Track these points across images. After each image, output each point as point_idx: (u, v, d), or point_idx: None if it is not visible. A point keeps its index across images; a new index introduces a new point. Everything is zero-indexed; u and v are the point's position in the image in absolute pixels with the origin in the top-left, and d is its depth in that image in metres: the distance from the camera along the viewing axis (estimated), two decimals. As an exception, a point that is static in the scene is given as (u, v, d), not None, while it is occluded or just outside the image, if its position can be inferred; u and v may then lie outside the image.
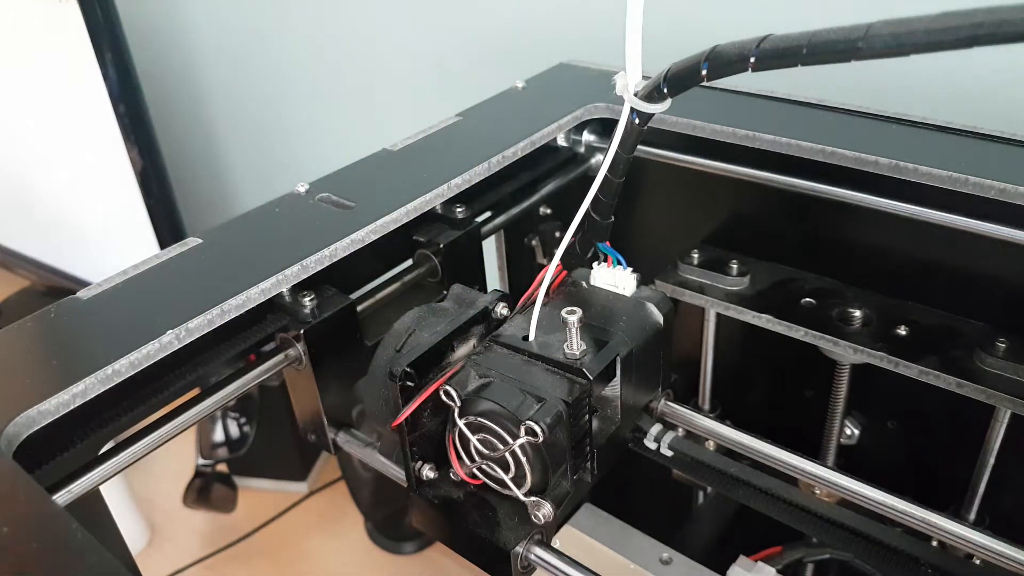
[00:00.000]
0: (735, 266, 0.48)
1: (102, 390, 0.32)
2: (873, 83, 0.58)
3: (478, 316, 0.36)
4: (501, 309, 0.37)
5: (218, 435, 0.99)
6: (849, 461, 0.52)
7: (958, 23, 0.20)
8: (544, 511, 0.33)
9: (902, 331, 0.43)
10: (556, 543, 0.42)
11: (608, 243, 0.37)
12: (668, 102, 0.31)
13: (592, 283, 0.38)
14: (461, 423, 0.33)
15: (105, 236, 1.05)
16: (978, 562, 0.42)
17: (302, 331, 0.38)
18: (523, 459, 0.32)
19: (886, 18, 0.22)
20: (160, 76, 1.09)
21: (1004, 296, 0.42)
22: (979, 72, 0.55)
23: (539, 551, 0.34)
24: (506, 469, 0.33)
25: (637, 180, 0.52)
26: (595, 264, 0.38)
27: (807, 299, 0.46)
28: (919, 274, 0.45)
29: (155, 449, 0.35)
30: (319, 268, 0.39)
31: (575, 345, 0.33)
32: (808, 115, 0.47)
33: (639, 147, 0.34)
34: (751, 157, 0.46)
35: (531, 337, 0.34)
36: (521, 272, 0.56)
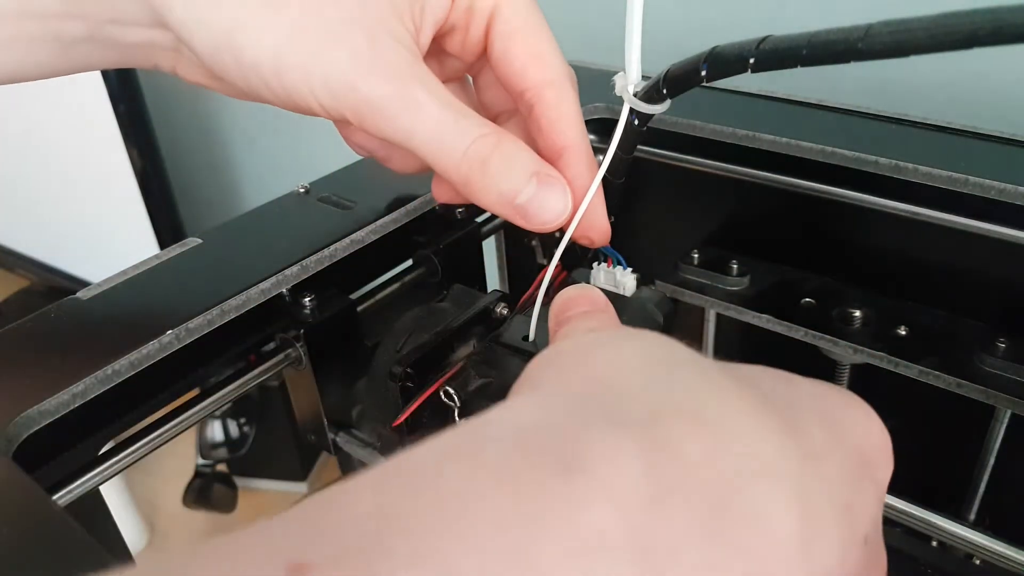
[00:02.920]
0: (735, 266, 0.48)
1: (102, 390, 0.32)
2: (873, 83, 0.58)
3: (478, 316, 0.36)
4: (501, 309, 0.37)
5: (218, 435, 0.99)
6: (849, 461, 0.52)
7: (958, 24, 0.20)
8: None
9: (902, 331, 0.43)
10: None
11: (608, 243, 0.37)
12: (668, 103, 0.31)
13: (592, 283, 0.38)
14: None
15: (105, 236, 1.05)
16: (978, 562, 0.42)
17: (302, 331, 0.38)
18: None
19: (886, 19, 0.22)
20: (160, 76, 1.09)
21: (1004, 296, 0.42)
22: (979, 72, 0.55)
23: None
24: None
25: (637, 180, 0.52)
26: (595, 264, 0.38)
27: (807, 299, 0.46)
28: (919, 274, 0.45)
29: (155, 449, 0.35)
30: (319, 268, 0.39)
31: (575, 345, 0.33)
32: (808, 115, 0.47)
33: (639, 147, 0.34)
34: (751, 157, 0.45)
35: (531, 337, 0.34)
36: (521, 272, 0.56)
